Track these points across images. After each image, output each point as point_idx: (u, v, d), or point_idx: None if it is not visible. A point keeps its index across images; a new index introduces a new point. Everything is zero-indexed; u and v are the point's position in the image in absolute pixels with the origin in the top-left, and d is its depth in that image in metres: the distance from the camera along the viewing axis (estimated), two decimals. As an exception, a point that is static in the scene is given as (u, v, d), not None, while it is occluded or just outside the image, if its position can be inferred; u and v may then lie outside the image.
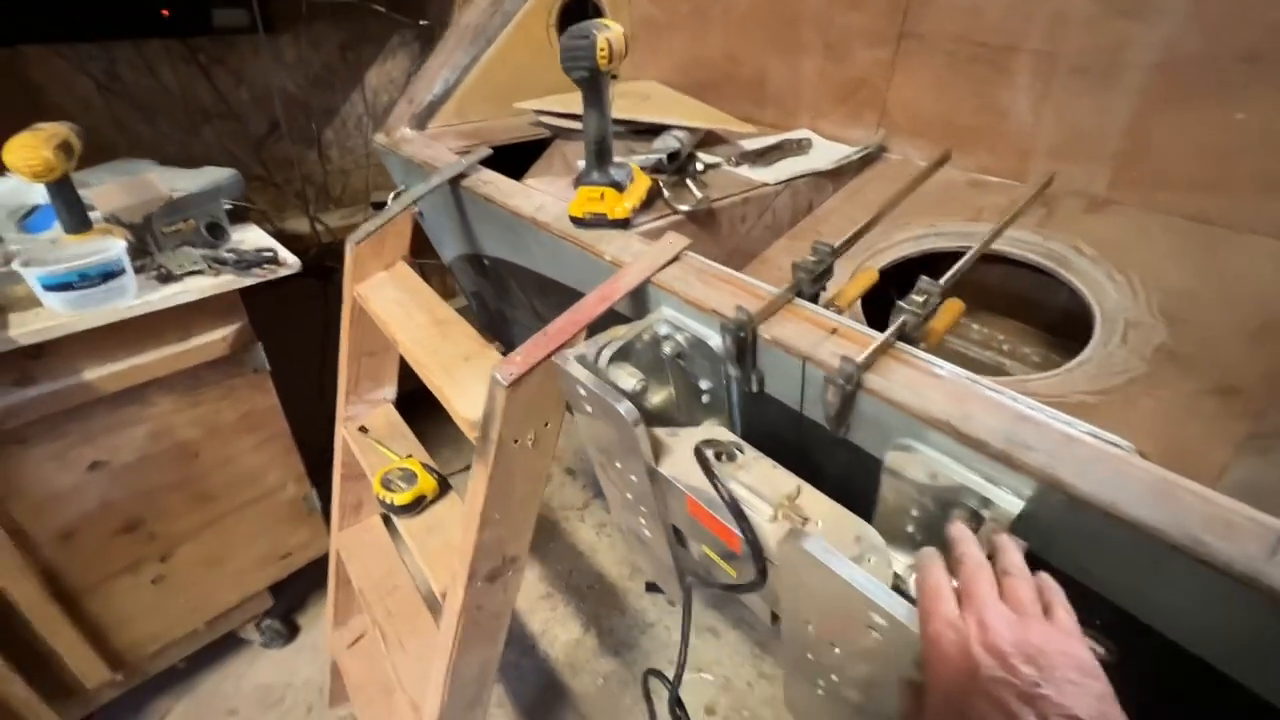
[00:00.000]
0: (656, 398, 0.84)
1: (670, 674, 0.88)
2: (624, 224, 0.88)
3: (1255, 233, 0.87)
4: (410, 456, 1.06)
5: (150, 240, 1.22)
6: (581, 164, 1.19)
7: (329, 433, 1.29)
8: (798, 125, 1.38)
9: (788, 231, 1.11)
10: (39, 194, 1.20)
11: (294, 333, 1.56)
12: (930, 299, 0.62)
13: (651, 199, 0.97)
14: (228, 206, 1.41)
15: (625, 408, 0.65)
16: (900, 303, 0.62)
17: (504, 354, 0.76)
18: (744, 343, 0.65)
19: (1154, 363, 0.76)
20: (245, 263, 1.22)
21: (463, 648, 0.89)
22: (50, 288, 1.02)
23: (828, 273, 0.72)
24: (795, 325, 0.66)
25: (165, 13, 1.61)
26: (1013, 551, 0.47)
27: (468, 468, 2.07)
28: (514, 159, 1.32)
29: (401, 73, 2.11)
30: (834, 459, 0.68)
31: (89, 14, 1.52)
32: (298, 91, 1.92)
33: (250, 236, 1.36)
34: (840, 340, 0.63)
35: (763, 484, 0.64)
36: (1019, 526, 0.51)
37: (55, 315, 1.05)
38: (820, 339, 0.63)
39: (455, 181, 1.11)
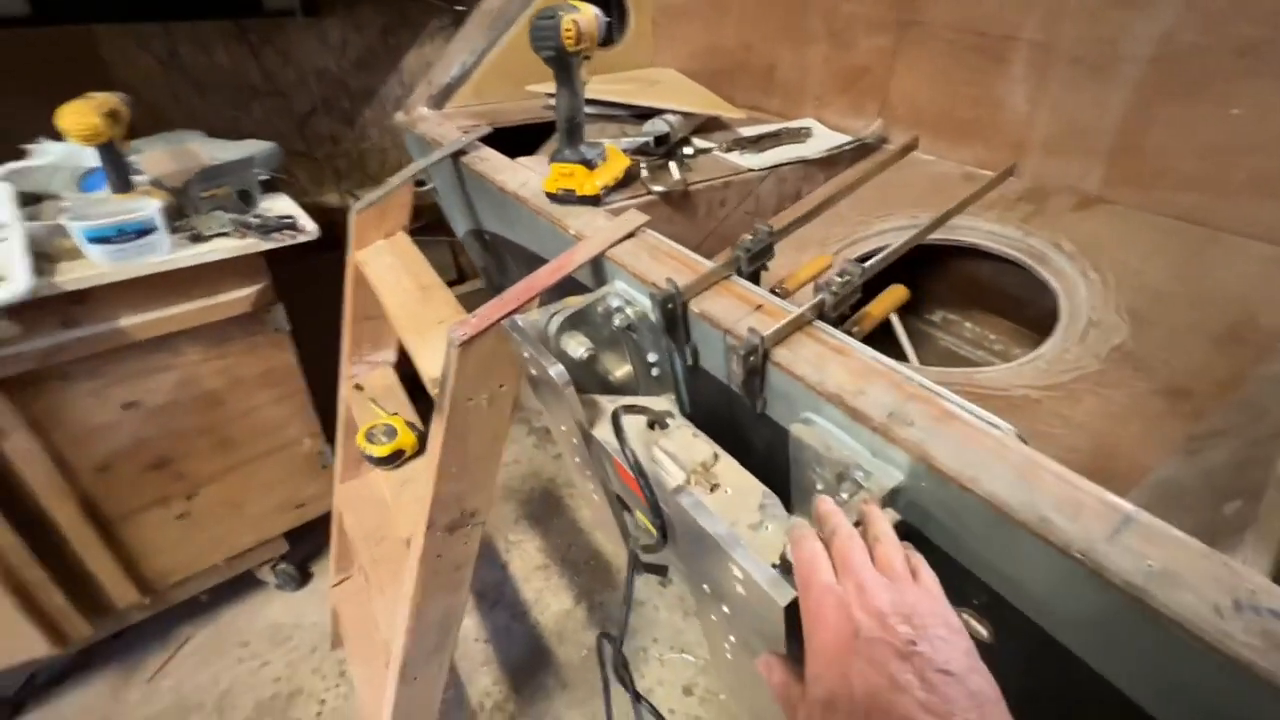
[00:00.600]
0: (619, 371, 0.88)
1: (653, 649, 0.91)
2: (594, 200, 0.91)
3: (1245, 235, 0.83)
4: (396, 414, 1.13)
5: (187, 203, 1.33)
6: (583, 147, 1.24)
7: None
8: (803, 114, 1.38)
9: (771, 218, 1.12)
10: (93, 158, 1.33)
11: (322, 302, 1.67)
12: (851, 280, 0.63)
13: (629, 179, 1.00)
14: (264, 177, 1.52)
15: (556, 371, 0.68)
16: (820, 283, 0.63)
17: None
18: (673, 314, 0.68)
19: (1108, 361, 0.74)
20: (267, 227, 1.32)
21: (425, 593, 0.95)
22: (92, 240, 1.13)
23: (766, 253, 0.73)
24: (725, 300, 0.68)
25: (220, -5, 1.73)
26: (881, 520, 0.49)
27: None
28: (527, 140, 1.37)
29: (438, 56, 2.19)
30: (759, 435, 0.70)
31: (152, -5, 1.66)
32: (339, 72, 2.03)
33: (279, 205, 1.46)
34: (763, 316, 0.64)
35: (682, 451, 0.67)
36: (900, 503, 0.53)
37: (96, 266, 1.16)
38: (744, 314, 0.65)
39: (456, 157, 1.17)
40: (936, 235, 0.97)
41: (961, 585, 0.51)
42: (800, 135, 1.23)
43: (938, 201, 1.05)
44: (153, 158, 1.41)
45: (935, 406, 0.52)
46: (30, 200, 1.32)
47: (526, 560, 1.94)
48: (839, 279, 0.63)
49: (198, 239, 1.28)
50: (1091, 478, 0.44)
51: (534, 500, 2.14)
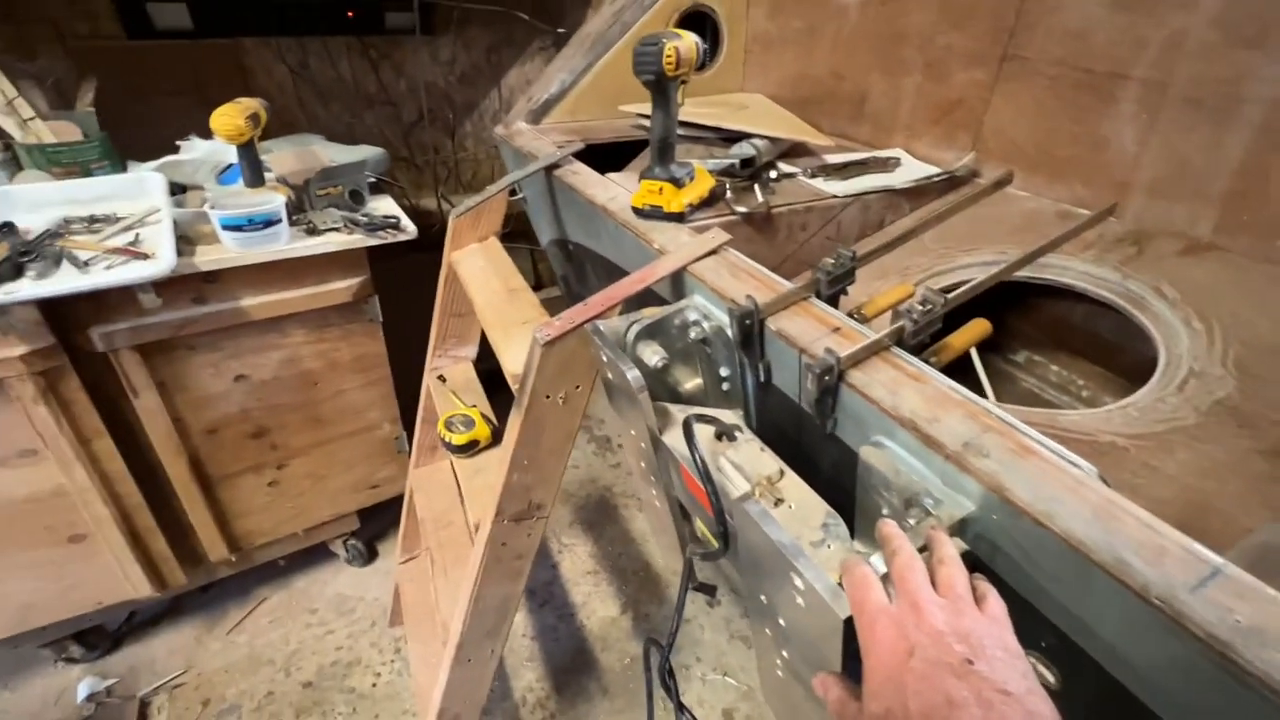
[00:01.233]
0: (689, 383, 0.90)
1: (695, 668, 0.93)
2: (679, 217, 0.95)
3: (1377, 293, 0.77)
4: (474, 406, 1.19)
5: (306, 200, 1.47)
6: (673, 166, 1.29)
7: (424, 388, 1.46)
8: (892, 144, 1.37)
9: (851, 245, 1.12)
10: (232, 155, 1.49)
11: (413, 299, 1.79)
12: (933, 309, 0.63)
13: (714, 199, 1.03)
14: (371, 179, 1.65)
15: (633, 375, 0.72)
16: (902, 309, 0.64)
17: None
18: (750, 331, 0.70)
19: (1209, 415, 0.70)
20: (373, 226, 1.44)
21: (486, 578, 1.00)
22: (226, 227, 1.27)
23: (847, 277, 0.74)
24: (802, 321, 0.69)
25: (350, 14, 1.91)
26: (947, 544, 0.49)
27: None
28: (616, 157, 1.44)
29: (537, 74, 2.32)
30: (826, 455, 0.71)
31: (292, 14, 1.85)
32: (445, 86, 2.18)
33: (383, 205, 1.58)
34: (840, 338, 0.66)
35: (748, 463, 0.68)
36: (968, 534, 0.52)
37: (227, 250, 1.30)
38: (821, 335, 0.66)
39: (549, 170, 1.24)
40: (1027, 272, 0.95)
41: (1029, 626, 0.50)
42: (888, 165, 1.23)
43: (1029, 239, 1.02)
44: (280, 157, 1.56)
45: (1013, 440, 0.51)
46: (177, 190, 1.49)
47: (577, 564, 1.98)
48: (921, 307, 0.63)
49: (313, 232, 1.41)
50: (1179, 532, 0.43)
51: (589, 506, 2.18)
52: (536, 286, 2.53)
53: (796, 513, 0.63)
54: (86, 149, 1.43)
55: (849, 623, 0.46)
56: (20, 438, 1.24)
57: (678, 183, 0.94)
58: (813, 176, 1.17)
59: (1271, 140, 0.84)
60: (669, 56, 0.83)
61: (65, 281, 1.12)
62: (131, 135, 1.53)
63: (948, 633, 0.40)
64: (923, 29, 1.25)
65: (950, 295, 0.65)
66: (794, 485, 0.66)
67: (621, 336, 0.82)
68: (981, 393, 1.00)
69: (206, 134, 1.62)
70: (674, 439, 0.77)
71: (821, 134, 1.35)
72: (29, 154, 1.39)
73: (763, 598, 0.61)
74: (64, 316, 1.21)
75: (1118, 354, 1.06)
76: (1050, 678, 0.52)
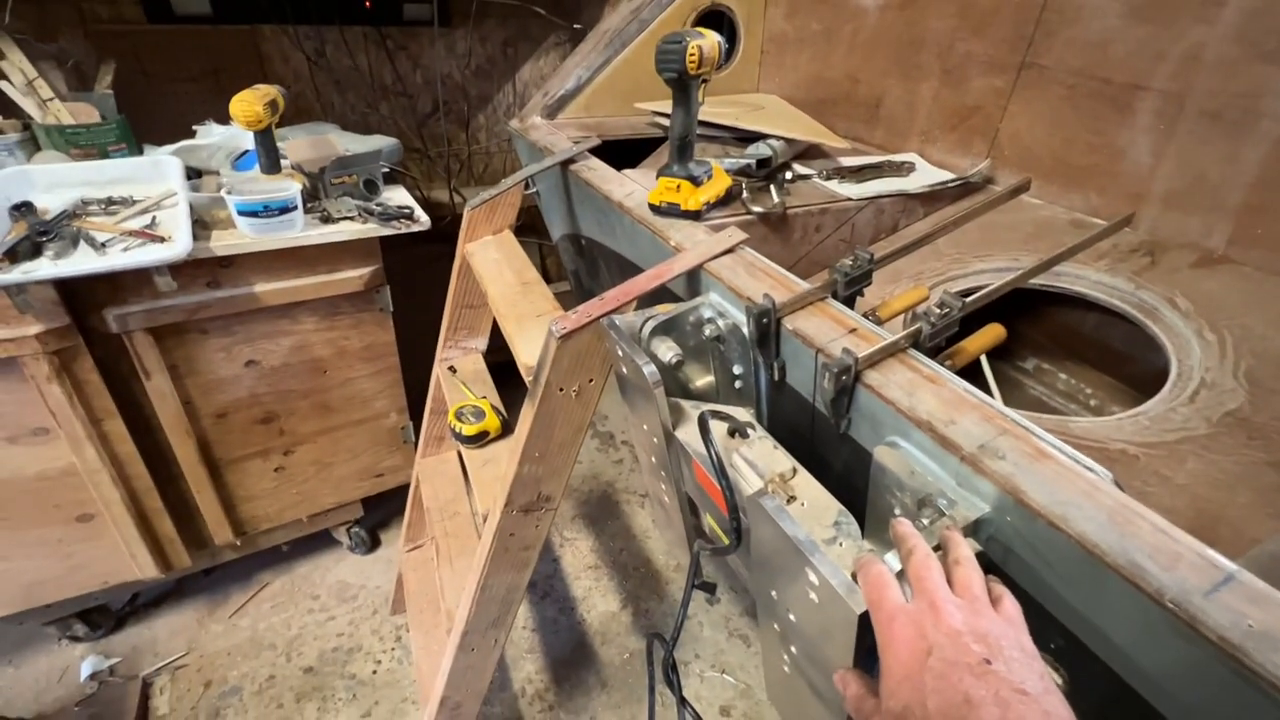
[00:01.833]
0: (700, 380, 0.91)
1: (694, 665, 0.94)
2: (695, 215, 0.95)
3: (1391, 310, 0.77)
4: (484, 398, 1.20)
5: (321, 188, 1.48)
6: (691, 164, 1.29)
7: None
8: (907, 148, 1.38)
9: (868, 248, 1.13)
10: (249, 141, 1.50)
11: (421, 289, 1.80)
12: (950, 312, 0.64)
13: (730, 198, 1.04)
14: (386, 169, 1.65)
15: (649, 370, 0.73)
16: (919, 312, 0.65)
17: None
18: (766, 329, 0.70)
19: (1219, 426, 0.71)
20: (387, 215, 1.44)
21: (493, 567, 1.01)
22: (242, 213, 1.28)
23: (864, 279, 0.75)
24: (818, 321, 0.70)
25: (368, 4, 1.91)
26: (963, 545, 0.49)
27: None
28: (630, 154, 1.44)
29: (552, 70, 2.32)
30: (838, 454, 0.71)
31: (311, 2, 1.85)
32: (461, 79, 2.19)
33: (397, 196, 1.59)
34: (856, 339, 0.66)
35: (761, 460, 0.69)
36: (982, 535, 0.53)
37: (243, 236, 1.31)
38: (838, 335, 0.67)
39: (565, 165, 1.25)
40: (1040, 280, 0.95)
41: (1039, 627, 0.50)
42: (902, 169, 1.23)
43: (1042, 247, 1.03)
44: (296, 145, 1.57)
45: (1029, 444, 0.52)
46: (193, 174, 1.50)
47: (579, 558, 1.99)
48: (938, 310, 0.64)
49: (327, 220, 1.42)
50: (1190, 537, 0.44)
51: (592, 501, 2.19)
52: (545, 281, 2.54)
53: (809, 510, 0.64)
54: (104, 131, 1.44)
55: (864, 618, 0.47)
56: (33, 416, 1.25)
57: (695, 181, 0.94)
58: (828, 179, 1.18)
59: (1289, 155, 0.85)
60: (692, 55, 0.83)
61: (83, 262, 1.13)
62: (148, 119, 1.54)
63: (965, 632, 0.40)
64: (941, 35, 1.25)
65: (967, 300, 0.65)
66: (806, 483, 0.66)
67: (637, 332, 0.82)
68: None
69: (223, 119, 1.63)
70: (687, 434, 0.78)
71: (837, 137, 1.36)
72: (47, 134, 1.40)
73: (773, 593, 0.62)
74: (79, 297, 1.22)
75: (1127, 364, 1.06)
76: (1058, 679, 0.53)
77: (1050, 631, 0.51)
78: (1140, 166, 0.99)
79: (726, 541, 0.77)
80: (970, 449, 0.52)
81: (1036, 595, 0.51)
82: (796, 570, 0.54)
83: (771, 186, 1.09)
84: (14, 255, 1.10)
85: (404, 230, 1.45)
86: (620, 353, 0.79)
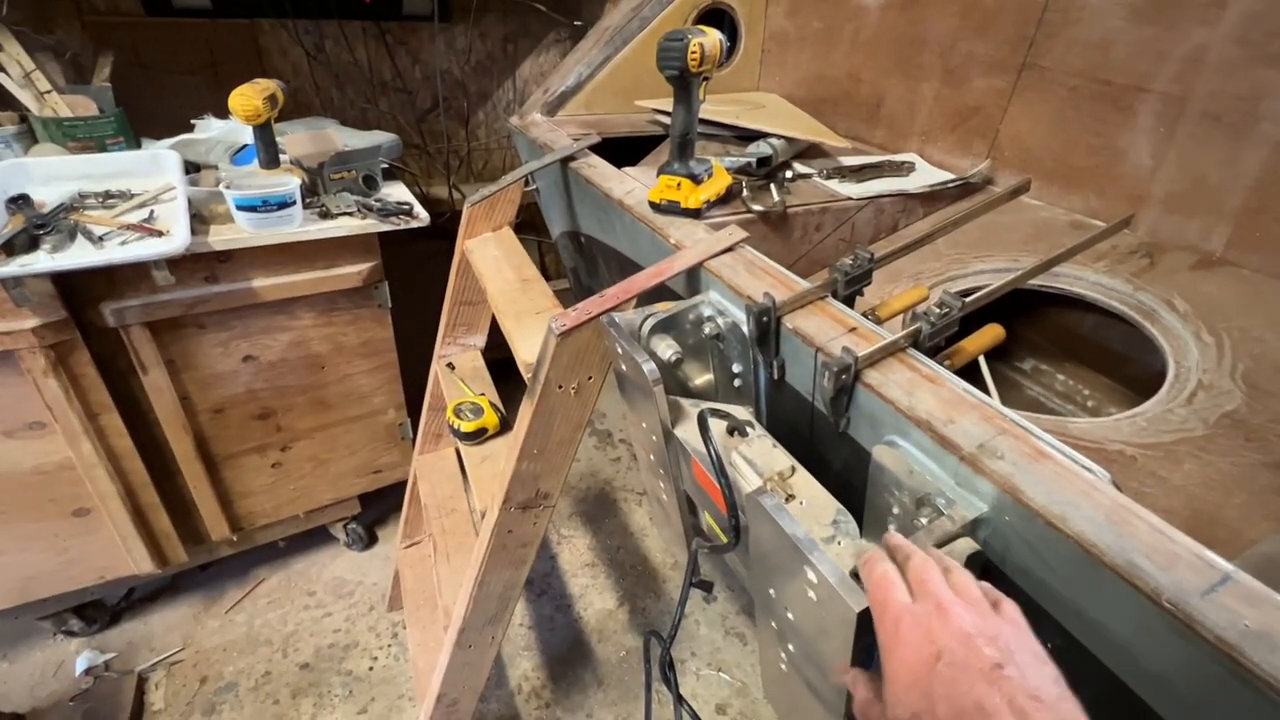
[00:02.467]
0: (699, 378, 0.91)
1: (690, 663, 0.95)
2: (695, 214, 0.95)
3: (1388, 313, 0.77)
4: (483, 394, 1.20)
5: (320, 183, 1.47)
6: (692, 163, 1.29)
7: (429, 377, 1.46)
8: (907, 148, 1.38)
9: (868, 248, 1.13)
10: (248, 135, 1.49)
11: (420, 286, 1.79)
12: (950, 312, 0.64)
13: (730, 196, 1.03)
14: (385, 165, 1.65)
15: (649, 368, 0.72)
16: (919, 311, 0.65)
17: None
18: (766, 328, 0.70)
19: (1216, 427, 0.71)
20: (386, 211, 1.44)
21: (491, 564, 1.01)
22: (241, 208, 1.27)
23: (864, 278, 0.75)
24: (818, 320, 0.70)
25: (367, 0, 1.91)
26: (946, 557, 0.48)
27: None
28: (630, 151, 1.44)
29: (552, 66, 2.32)
30: (837, 453, 0.71)
31: (311, -4, 1.84)
32: (460, 75, 2.18)
33: (396, 192, 1.58)
34: (856, 338, 0.66)
35: (760, 459, 0.69)
36: (980, 535, 0.53)
37: (241, 231, 1.30)
38: (838, 334, 0.67)
39: (565, 162, 1.24)
40: (1039, 281, 0.96)
41: (1037, 626, 0.51)
42: (902, 169, 1.23)
43: (1041, 247, 1.03)
44: (295, 139, 1.56)
45: (1028, 444, 0.52)
46: (191, 168, 1.49)
47: (576, 555, 1.99)
48: (938, 310, 0.64)
49: (326, 215, 1.41)
50: (1187, 538, 0.44)
51: (589, 499, 2.19)
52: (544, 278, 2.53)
53: (807, 509, 0.64)
54: (102, 124, 1.43)
55: (863, 616, 0.47)
56: (29, 410, 1.25)
57: (696, 179, 0.94)
58: (828, 178, 1.18)
59: (1288, 158, 0.85)
60: (693, 52, 0.83)
61: (81, 256, 1.13)
62: (145, 112, 1.53)
63: (976, 635, 0.39)
64: (943, 35, 1.25)
65: (967, 300, 0.65)
66: (805, 482, 0.67)
67: (636, 329, 0.82)
68: (989, 399, 1.01)
69: (221, 113, 1.62)
70: (686, 432, 0.78)
71: (837, 136, 1.36)
72: (45, 127, 1.39)
73: (771, 592, 0.62)
74: (76, 291, 1.21)
75: (1125, 365, 1.07)
76: (1054, 679, 0.53)
77: (1048, 630, 0.51)
78: (1140, 168, 1.00)
79: (725, 540, 0.77)
80: (969, 448, 0.52)
81: (1034, 595, 0.51)
82: (795, 568, 0.54)
83: (772, 185, 1.09)
84: (10, 248, 1.09)
85: (402, 226, 1.44)
86: (620, 350, 0.79)
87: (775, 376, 0.76)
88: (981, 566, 0.53)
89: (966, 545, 0.52)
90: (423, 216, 1.47)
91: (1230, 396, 0.74)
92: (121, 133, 1.46)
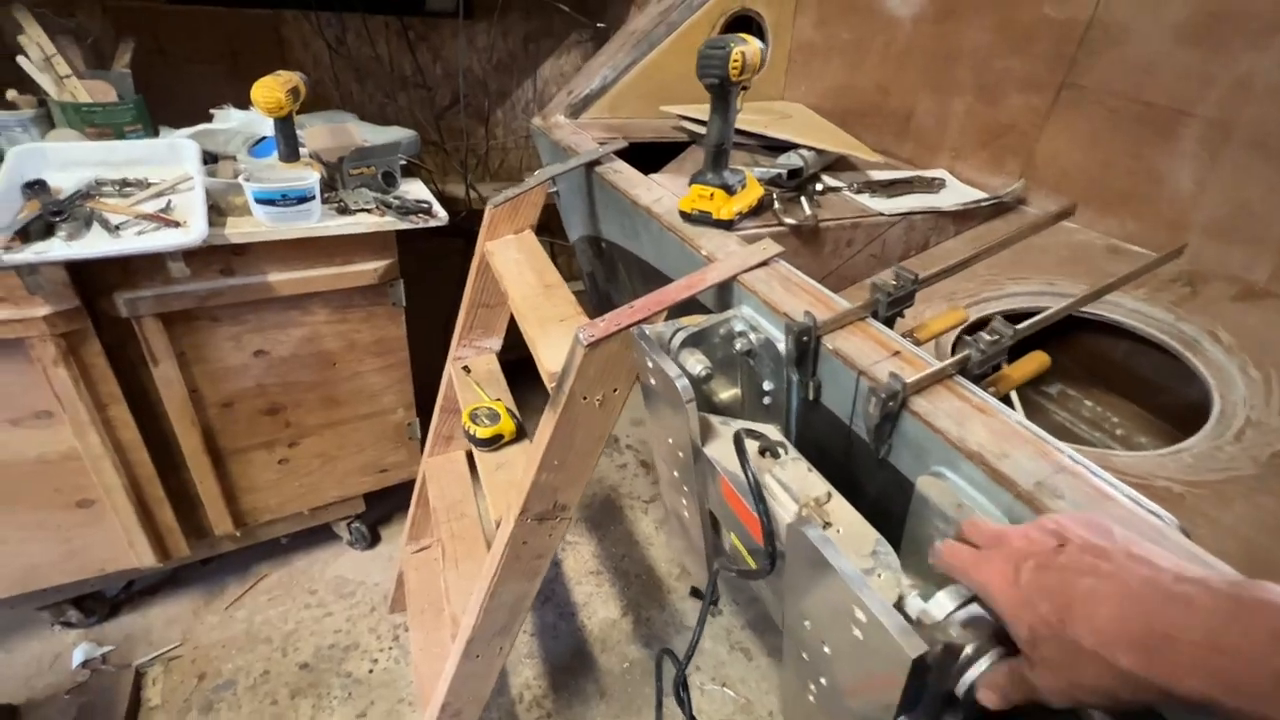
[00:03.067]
0: (725, 394, 0.89)
1: (694, 677, 0.93)
2: (727, 225, 0.93)
3: None
4: (499, 400, 1.18)
5: (338, 178, 1.45)
6: (726, 173, 1.27)
7: (439, 376, 1.44)
8: (936, 164, 1.36)
9: (895, 265, 1.11)
10: (267, 127, 1.47)
11: (432, 283, 1.77)
12: (1001, 340, 0.62)
13: (761, 208, 1.01)
14: (403, 161, 1.63)
15: (682, 384, 0.70)
16: (968, 338, 0.62)
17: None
18: (806, 348, 0.68)
19: (1267, 468, 0.69)
20: (405, 209, 1.42)
21: (504, 575, 0.98)
22: (260, 201, 1.26)
23: (907, 299, 0.73)
24: (860, 341, 0.68)
25: (391, -7, 1.89)
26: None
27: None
28: (654, 157, 1.42)
29: (573, 68, 2.30)
30: (874, 480, 0.69)
31: (335, -12, 1.83)
32: (481, 73, 2.16)
33: (414, 189, 1.56)
34: (900, 362, 0.64)
35: (795, 483, 0.67)
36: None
37: (259, 224, 1.28)
38: (881, 358, 0.65)
39: (590, 166, 1.23)
40: (1060, 303, 0.93)
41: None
42: (933, 185, 1.21)
43: (1076, 271, 1.01)
44: (314, 133, 1.55)
45: (1088, 484, 0.50)
46: (209, 159, 1.48)
47: (580, 563, 1.97)
48: (989, 337, 0.62)
49: (344, 211, 1.40)
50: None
51: (595, 506, 2.17)
52: (555, 280, 2.51)
53: (845, 538, 0.62)
54: (121, 111, 1.42)
55: (918, 663, 0.44)
56: (37, 399, 1.23)
57: (730, 190, 0.92)
58: (858, 192, 1.16)
59: (1340, 190, 0.83)
60: (735, 61, 0.81)
61: (97, 245, 1.11)
62: (161, 100, 1.51)
63: (1033, 533, 0.42)
64: (978, 50, 1.23)
65: (1019, 328, 0.63)
66: (842, 509, 0.64)
67: (666, 342, 0.80)
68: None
69: (240, 103, 1.61)
70: (715, 451, 0.75)
71: (871, 150, 1.34)
72: (63, 112, 1.37)
73: (806, 624, 0.60)
74: (90, 279, 1.20)
75: (1158, 394, 1.04)
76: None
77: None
78: (1181, 194, 0.97)
79: (754, 565, 0.75)
80: (1026, 485, 0.50)
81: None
82: (838, 604, 0.52)
83: (802, 198, 1.06)
84: (26, 234, 1.08)
85: (421, 225, 1.43)
86: (650, 364, 0.76)
87: (810, 397, 0.74)
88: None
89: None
90: (442, 216, 1.45)
91: (1280, 435, 0.72)
92: (140, 120, 1.45)
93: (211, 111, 1.58)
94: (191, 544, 1.57)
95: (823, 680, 0.62)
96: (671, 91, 1.57)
